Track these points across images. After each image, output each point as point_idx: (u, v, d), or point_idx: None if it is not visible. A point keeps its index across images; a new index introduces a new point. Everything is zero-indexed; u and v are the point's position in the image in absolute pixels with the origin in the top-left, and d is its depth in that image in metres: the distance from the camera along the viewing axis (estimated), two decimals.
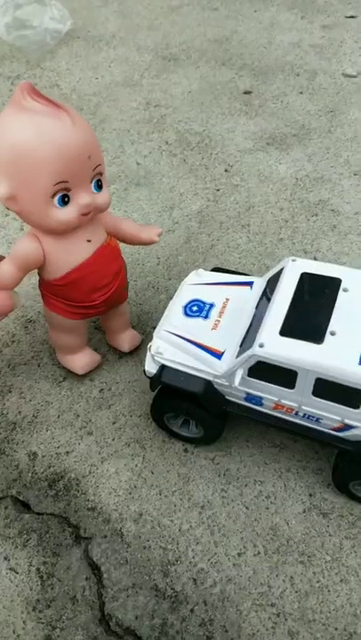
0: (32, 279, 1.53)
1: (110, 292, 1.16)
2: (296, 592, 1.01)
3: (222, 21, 2.68)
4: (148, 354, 1.12)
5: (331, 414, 0.97)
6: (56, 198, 0.98)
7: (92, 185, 1.02)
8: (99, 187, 1.04)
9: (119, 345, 1.35)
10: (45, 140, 0.92)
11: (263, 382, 0.99)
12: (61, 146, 0.93)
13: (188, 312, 1.14)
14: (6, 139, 0.94)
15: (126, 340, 1.34)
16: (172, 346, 1.09)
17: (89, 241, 1.09)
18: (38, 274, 1.15)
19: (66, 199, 0.99)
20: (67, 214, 1.00)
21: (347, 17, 2.66)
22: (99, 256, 1.11)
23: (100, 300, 1.15)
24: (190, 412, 1.11)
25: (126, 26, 2.68)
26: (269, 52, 2.44)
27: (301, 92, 2.21)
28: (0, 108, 1.14)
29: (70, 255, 1.08)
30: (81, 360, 1.30)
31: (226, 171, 1.88)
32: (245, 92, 2.22)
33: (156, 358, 1.09)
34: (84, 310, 1.17)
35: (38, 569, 1.05)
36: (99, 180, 1.03)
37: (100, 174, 1.03)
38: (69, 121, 0.94)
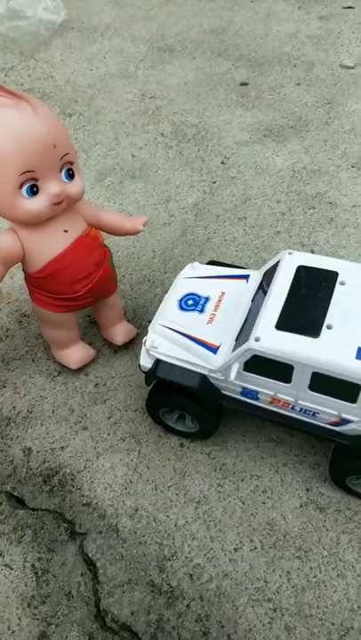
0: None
1: (92, 283, 1.14)
2: (293, 587, 1.01)
3: (218, 12, 2.65)
4: (143, 348, 1.11)
5: (327, 409, 0.97)
6: (24, 189, 0.97)
7: (63, 174, 1.01)
8: (70, 176, 1.03)
9: (112, 338, 1.34)
10: (5, 131, 0.92)
11: (259, 376, 0.98)
12: (22, 136, 0.93)
13: (184, 306, 1.13)
14: None
15: (119, 332, 1.33)
16: (168, 340, 1.08)
17: (66, 231, 1.08)
18: (23, 269, 1.15)
19: (35, 189, 0.98)
20: (36, 204, 0.99)
21: (344, 8, 2.63)
22: (77, 246, 1.10)
23: (82, 292, 1.14)
24: (186, 406, 1.10)
25: (121, 16, 2.65)
26: (266, 43, 2.42)
27: (298, 84, 2.18)
28: None
29: (47, 247, 1.07)
30: (74, 355, 1.29)
31: (222, 163, 1.86)
32: (242, 84, 2.20)
33: (151, 353, 1.08)
34: (67, 303, 1.16)
35: (33, 565, 1.04)
36: (69, 169, 1.02)
37: (71, 163, 1.03)
38: (30, 111, 0.94)
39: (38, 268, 1.09)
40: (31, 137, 0.94)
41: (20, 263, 1.12)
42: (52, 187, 0.99)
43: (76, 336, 1.28)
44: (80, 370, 1.32)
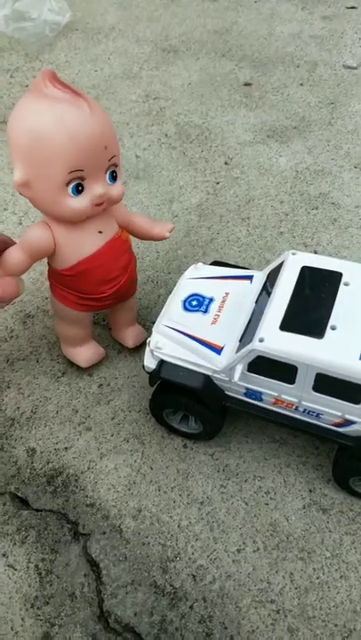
0: (31, 274, 1.53)
1: (119, 286, 1.15)
2: (296, 588, 1.01)
3: (222, 12, 2.65)
4: (147, 349, 1.11)
5: (331, 410, 0.96)
6: (70, 187, 0.97)
7: (107, 176, 1.02)
8: (113, 178, 1.03)
9: (124, 340, 1.34)
10: (63, 127, 0.92)
11: (263, 377, 0.98)
12: (78, 134, 0.93)
13: (188, 306, 1.13)
14: (24, 124, 0.94)
15: (131, 335, 1.33)
16: (172, 341, 1.08)
17: (100, 232, 1.09)
18: (48, 263, 1.15)
19: (80, 188, 0.98)
20: (80, 203, 1.00)
21: (347, 8, 2.63)
22: (109, 248, 1.10)
23: (108, 293, 1.15)
24: (190, 407, 1.10)
25: (125, 18, 2.65)
26: (270, 44, 2.42)
27: (302, 84, 2.18)
28: None
29: (81, 246, 1.08)
30: (85, 353, 1.29)
31: (226, 163, 1.86)
32: (245, 84, 2.20)
33: (155, 353, 1.08)
34: (91, 302, 1.16)
35: (37, 565, 1.05)
36: (113, 172, 1.03)
37: (116, 166, 1.03)
38: (88, 109, 0.94)
39: (69, 266, 1.09)
40: (86, 136, 0.94)
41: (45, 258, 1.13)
42: (97, 188, 1.00)
43: (89, 335, 1.29)
44: (84, 370, 1.32)
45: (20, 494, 1.13)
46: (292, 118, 2.02)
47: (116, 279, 1.14)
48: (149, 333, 1.15)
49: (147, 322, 1.42)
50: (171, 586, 1.02)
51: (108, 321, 1.37)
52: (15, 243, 1.08)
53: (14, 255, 1.06)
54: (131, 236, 1.20)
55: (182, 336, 1.07)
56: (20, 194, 1.00)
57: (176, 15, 2.65)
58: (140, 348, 1.36)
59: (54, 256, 1.09)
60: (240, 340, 1.02)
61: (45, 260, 1.13)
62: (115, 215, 1.13)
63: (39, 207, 1.04)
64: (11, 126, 0.96)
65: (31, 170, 0.96)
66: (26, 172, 0.96)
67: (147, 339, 1.12)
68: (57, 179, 0.96)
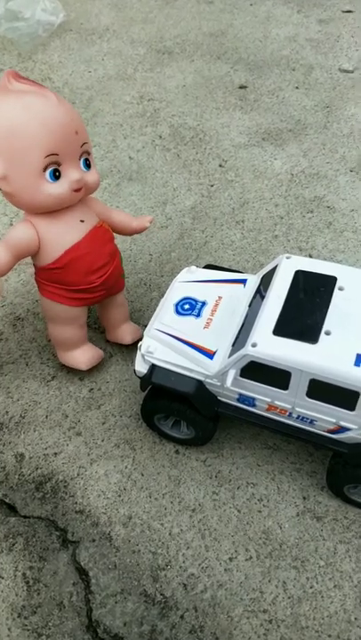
0: (21, 275, 1.50)
1: (107, 274, 1.15)
2: (289, 598, 0.99)
3: (217, 15, 2.64)
4: (139, 353, 1.09)
5: (325, 416, 0.95)
6: (47, 172, 1.00)
7: (81, 163, 1.05)
8: (87, 165, 1.06)
9: (121, 338, 1.32)
10: (33, 114, 0.97)
11: (256, 383, 0.97)
12: (49, 119, 0.98)
13: (180, 310, 1.11)
14: None
15: (127, 331, 1.32)
16: (163, 345, 1.06)
17: (82, 221, 1.10)
18: (34, 265, 1.14)
19: (57, 173, 1.01)
20: (58, 188, 1.02)
21: (343, 11, 2.62)
22: (93, 236, 1.11)
23: (97, 283, 1.14)
24: (181, 412, 1.08)
25: (120, 19, 2.64)
26: (265, 47, 2.41)
27: (297, 87, 2.17)
28: None
29: (64, 235, 1.09)
30: (84, 355, 1.26)
31: (220, 166, 1.84)
32: (241, 87, 2.19)
33: (146, 358, 1.07)
34: (82, 295, 1.15)
35: (24, 574, 1.02)
36: (87, 159, 1.06)
37: (88, 153, 1.06)
38: (54, 98, 0.99)
39: (54, 258, 1.09)
40: (56, 121, 0.98)
41: (29, 259, 1.13)
42: (73, 173, 1.02)
43: (84, 336, 1.26)
44: (74, 374, 1.30)
45: (7, 500, 1.11)
46: (288, 121, 2.01)
47: (104, 268, 1.14)
48: (141, 337, 1.13)
49: (139, 325, 1.40)
50: (161, 595, 1.00)
51: (102, 323, 1.35)
52: None
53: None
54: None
55: (174, 340, 1.05)
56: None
57: (171, 17, 2.64)
58: (132, 351, 1.34)
59: (39, 252, 1.10)
60: (233, 345, 1.01)
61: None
62: (93, 209, 1.15)
63: (19, 202, 1.05)
64: None
65: (8, 163, 0.99)
66: (3, 167, 0.99)
67: (138, 344, 1.10)
68: (34, 165, 0.98)
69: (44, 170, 0.99)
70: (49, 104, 0.99)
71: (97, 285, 1.14)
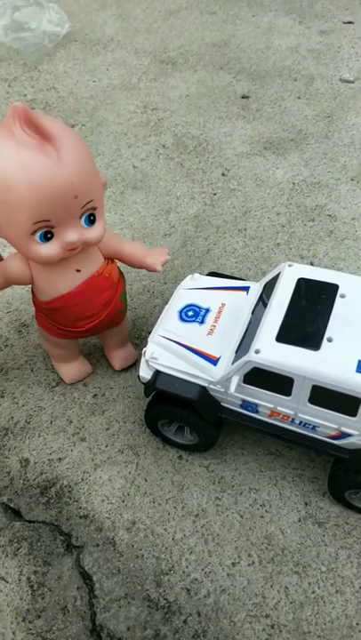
0: None
1: (96, 322, 1.12)
2: (291, 603, 1.00)
3: (220, 25, 2.67)
4: (143, 359, 1.10)
5: (327, 422, 0.96)
6: (37, 235, 0.92)
7: (83, 220, 0.95)
8: (90, 221, 0.97)
9: (111, 361, 1.33)
10: (25, 177, 0.85)
11: (259, 389, 0.98)
12: (41, 186, 0.86)
13: (184, 317, 1.12)
14: None
15: (118, 358, 1.32)
16: (167, 351, 1.07)
17: (78, 271, 1.04)
18: (31, 288, 1.13)
19: (49, 235, 0.93)
20: (49, 250, 0.94)
21: (344, 23, 2.65)
22: (87, 287, 1.06)
23: (85, 328, 1.13)
24: (185, 418, 1.09)
25: (124, 29, 2.67)
26: (267, 57, 2.44)
27: (299, 97, 2.20)
28: None
29: (56, 283, 1.04)
30: (70, 370, 1.29)
31: (223, 175, 1.86)
32: (243, 97, 2.21)
33: (150, 364, 1.08)
34: (70, 333, 1.15)
35: (29, 578, 1.03)
36: (91, 215, 0.96)
37: (94, 209, 0.96)
38: (55, 156, 0.86)
39: (45, 300, 1.08)
40: (51, 188, 0.87)
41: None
42: (70, 235, 0.94)
43: (75, 353, 1.28)
44: (79, 381, 1.31)
45: (12, 505, 1.12)
46: (290, 131, 2.04)
47: (95, 315, 1.11)
48: (145, 343, 1.14)
49: (142, 332, 1.41)
50: (164, 600, 1.00)
51: (100, 339, 1.36)
52: (2, 258, 1.07)
53: None
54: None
55: (178, 346, 1.07)
56: None
57: (174, 28, 2.67)
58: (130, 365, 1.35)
59: (34, 286, 1.08)
60: (236, 352, 1.02)
61: None
62: (100, 247, 1.07)
63: (13, 246, 1.00)
64: None
65: (0, 213, 0.91)
66: None
67: (142, 350, 1.11)
68: (21, 228, 0.91)
69: (33, 233, 0.91)
70: (47, 167, 0.85)
71: (84, 330, 1.14)
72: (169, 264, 1.58)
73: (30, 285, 1.10)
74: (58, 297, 1.06)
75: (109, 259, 1.11)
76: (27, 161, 0.85)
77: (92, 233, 0.98)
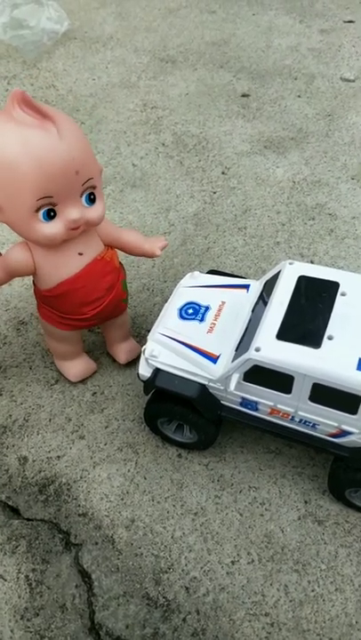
0: (25, 280, 1.52)
1: (102, 307, 1.12)
2: (290, 601, 0.99)
3: (220, 24, 2.67)
4: (142, 357, 1.10)
5: (328, 420, 0.96)
6: (41, 213, 0.94)
7: (83, 199, 0.98)
8: (91, 200, 0.99)
9: (116, 355, 1.33)
10: (28, 153, 0.88)
11: (259, 387, 0.97)
12: (44, 161, 0.89)
13: (184, 315, 1.12)
14: None
15: (123, 351, 1.31)
16: (167, 349, 1.07)
17: (81, 254, 1.05)
18: (33, 281, 1.13)
19: (52, 213, 0.95)
20: (52, 229, 0.96)
21: (345, 22, 2.65)
22: (90, 270, 1.07)
23: (90, 314, 1.13)
24: (184, 416, 1.09)
25: (124, 27, 2.67)
26: (267, 56, 2.44)
27: (299, 96, 2.20)
28: None
29: (60, 268, 1.05)
30: (75, 368, 1.28)
31: (223, 173, 1.86)
32: (243, 95, 2.21)
33: (150, 361, 1.08)
34: (74, 322, 1.15)
35: (27, 576, 1.03)
36: (91, 194, 0.99)
37: (93, 187, 0.99)
38: (55, 133, 0.89)
39: (49, 287, 1.08)
40: (53, 162, 0.90)
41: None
42: (71, 212, 0.96)
43: (79, 350, 1.27)
44: (83, 379, 1.31)
45: (10, 503, 1.12)
46: (290, 129, 2.03)
47: (99, 300, 1.11)
48: (144, 341, 1.14)
49: (142, 330, 1.41)
50: (164, 598, 1.00)
51: (103, 335, 1.36)
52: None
53: None
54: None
55: (178, 344, 1.06)
56: None
57: (174, 26, 2.67)
58: (134, 359, 1.35)
59: (36, 275, 1.08)
60: (236, 349, 1.02)
61: None
62: (100, 232, 1.09)
63: (15, 231, 1.01)
64: None
65: (2, 195, 0.93)
66: None
67: (142, 348, 1.10)
68: (25, 206, 0.93)
69: (37, 210, 0.93)
70: (49, 142, 0.89)
71: (89, 317, 1.13)
72: (168, 262, 1.58)
73: (32, 277, 1.10)
74: (62, 282, 1.06)
75: (109, 245, 1.12)
76: (28, 138, 0.88)
77: (93, 212, 1.00)
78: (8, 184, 0.91)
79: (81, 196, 0.97)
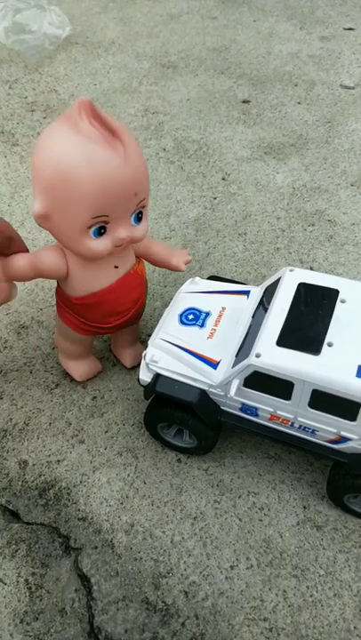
0: (26, 284, 1.52)
1: (126, 318, 1.14)
2: (289, 606, 1.00)
3: (221, 30, 2.69)
4: (143, 362, 1.10)
5: (327, 426, 0.96)
6: (92, 229, 0.93)
7: (132, 218, 0.97)
8: (138, 219, 0.99)
9: (122, 359, 1.34)
10: (94, 171, 0.86)
11: (259, 393, 0.98)
12: (109, 182, 0.88)
13: (184, 320, 1.13)
14: (52, 157, 0.88)
15: (130, 355, 1.33)
16: (168, 354, 1.08)
17: (116, 267, 1.06)
18: (57, 283, 1.13)
19: (102, 230, 0.95)
20: (100, 246, 0.96)
21: (345, 29, 2.67)
22: (123, 283, 1.08)
23: (114, 324, 1.14)
24: (184, 421, 1.09)
25: (125, 33, 2.68)
26: (268, 62, 2.45)
27: (299, 103, 2.21)
28: None
29: (95, 279, 1.05)
30: (82, 367, 1.29)
31: (223, 179, 1.87)
32: (244, 101, 2.22)
33: (150, 367, 1.08)
34: (96, 329, 1.16)
35: (27, 580, 1.03)
36: (139, 213, 0.98)
37: (144, 207, 0.99)
38: (122, 153, 0.88)
39: (79, 296, 1.08)
40: (117, 184, 0.89)
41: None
42: (121, 232, 0.96)
43: (89, 351, 1.28)
44: (78, 382, 1.31)
45: (10, 507, 1.12)
46: (290, 136, 2.05)
47: (126, 312, 1.13)
48: (145, 347, 1.14)
49: (143, 335, 1.41)
50: (163, 602, 1.00)
51: (111, 336, 1.36)
52: (20, 239, 1.02)
53: (21, 265, 1.01)
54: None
55: (178, 350, 1.07)
56: (39, 225, 0.96)
57: (176, 32, 2.68)
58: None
59: (65, 281, 1.07)
60: (236, 355, 1.02)
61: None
62: (135, 246, 1.09)
63: (58, 239, 1.00)
64: (37, 154, 0.91)
65: (53, 204, 0.91)
66: (47, 206, 0.92)
67: (143, 353, 1.11)
68: (79, 221, 0.92)
69: (90, 227, 0.93)
70: (115, 163, 0.87)
71: (113, 326, 1.14)
72: None
73: (56, 281, 1.10)
74: (95, 292, 1.06)
75: (138, 257, 1.13)
76: (94, 156, 0.86)
77: (139, 231, 0.99)
78: (66, 197, 0.89)
79: (130, 216, 0.97)
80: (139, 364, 1.31)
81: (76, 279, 1.05)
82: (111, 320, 1.13)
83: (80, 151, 0.86)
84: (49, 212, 0.92)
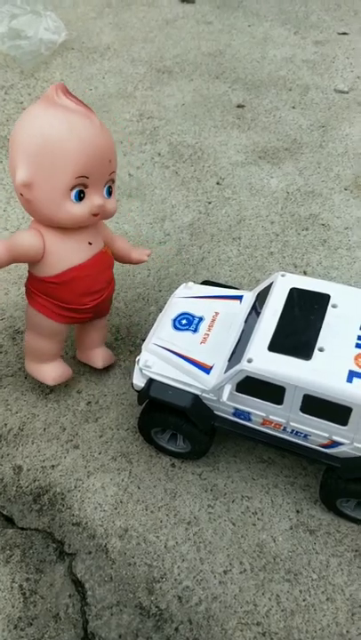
0: (21, 289, 1.53)
1: (101, 299, 1.16)
2: (282, 611, 1.00)
3: (216, 35, 2.70)
4: (136, 367, 1.11)
5: (319, 431, 0.97)
6: (73, 192, 1.01)
7: (105, 190, 1.06)
8: (109, 193, 1.08)
9: (93, 361, 1.32)
10: (75, 134, 0.97)
11: (251, 398, 0.99)
12: (90, 143, 0.99)
13: (178, 325, 1.13)
14: (36, 129, 0.98)
15: (100, 356, 1.32)
16: (161, 359, 1.08)
17: (90, 244, 1.12)
18: (29, 271, 1.14)
19: (82, 195, 1.02)
20: (79, 210, 1.03)
21: (339, 34, 2.68)
22: (97, 260, 1.13)
23: (89, 305, 1.15)
24: (178, 426, 1.10)
25: (121, 38, 2.69)
26: (262, 67, 2.46)
27: (294, 107, 2.22)
28: None
29: (71, 254, 1.10)
30: (54, 371, 1.25)
31: (218, 183, 1.88)
32: (238, 106, 2.23)
33: (144, 372, 1.09)
34: (70, 314, 1.15)
35: (21, 585, 1.03)
36: (110, 187, 1.08)
37: (113, 181, 1.08)
38: (98, 123, 1.01)
39: (55, 273, 1.10)
40: (96, 146, 1.00)
41: (25, 266, 1.13)
42: (97, 198, 1.04)
43: (59, 352, 1.26)
44: (72, 388, 1.32)
45: (5, 512, 1.12)
46: (284, 140, 2.06)
47: (100, 292, 1.16)
48: (139, 351, 1.15)
49: (137, 339, 1.42)
50: (156, 607, 1.01)
51: (75, 342, 1.35)
52: None
53: None
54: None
55: (172, 355, 1.08)
56: (20, 195, 1.03)
57: (171, 37, 2.70)
58: (129, 365, 1.36)
59: (40, 263, 1.10)
60: (229, 360, 1.03)
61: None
62: (100, 233, 1.16)
63: (36, 211, 1.06)
64: (19, 129, 1.01)
65: (37, 172, 0.99)
66: (31, 174, 0.99)
67: (136, 358, 1.12)
68: (63, 182, 0.99)
69: (71, 189, 1.01)
70: (93, 128, 1.00)
71: (88, 308, 1.15)
72: (163, 272, 1.59)
73: (28, 265, 1.13)
74: (72, 267, 1.10)
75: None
76: (75, 122, 0.98)
77: (111, 204, 1.09)
78: (49, 161, 0.98)
79: (104, 187, 1.06)
80: (130, 369, 1.32)
81: (54, 256, 1.09)
82: (87, 300, 1.14)
83: (62, 119, 0.98)
84: (33, 179, 1.00)
